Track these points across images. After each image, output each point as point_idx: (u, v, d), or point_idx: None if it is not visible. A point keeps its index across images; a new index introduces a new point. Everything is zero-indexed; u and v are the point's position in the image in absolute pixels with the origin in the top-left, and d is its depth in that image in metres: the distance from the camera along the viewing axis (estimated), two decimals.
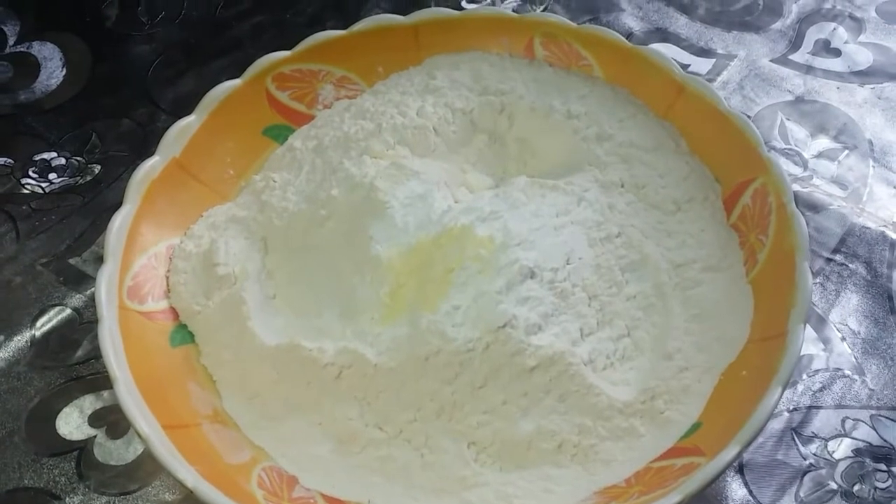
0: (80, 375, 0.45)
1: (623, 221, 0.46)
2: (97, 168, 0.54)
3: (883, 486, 0.42)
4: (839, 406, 0.44)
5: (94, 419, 0.44)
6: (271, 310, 0.44)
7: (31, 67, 0.60)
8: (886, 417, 0.44)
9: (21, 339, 0.47)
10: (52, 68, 0.60)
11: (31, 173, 0.54)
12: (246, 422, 0.41)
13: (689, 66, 0.60)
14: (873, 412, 0.44)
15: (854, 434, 0.43)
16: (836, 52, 0.61)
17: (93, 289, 0.44)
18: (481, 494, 0.38)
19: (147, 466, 0.42)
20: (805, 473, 0.42)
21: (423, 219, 0.44)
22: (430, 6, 0.52)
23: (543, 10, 0.64)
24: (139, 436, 0.36)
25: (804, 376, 0.45)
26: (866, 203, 0.53)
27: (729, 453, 0.35)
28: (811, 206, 0.52)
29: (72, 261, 0.50)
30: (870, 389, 0.45)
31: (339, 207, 0.45)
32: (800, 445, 0.43)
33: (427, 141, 0.49)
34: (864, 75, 0.60)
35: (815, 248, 0.50)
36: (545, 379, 0.40)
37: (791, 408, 0.44)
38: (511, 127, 0.51)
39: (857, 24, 0.63)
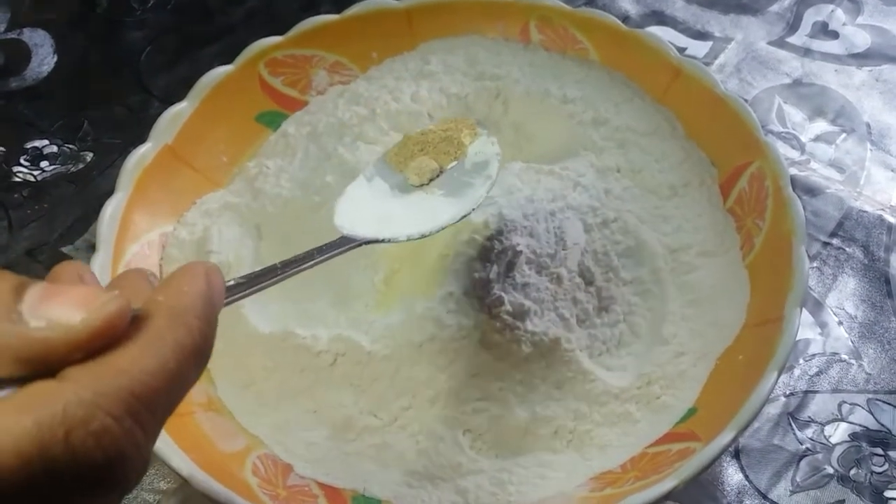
0: None
1: (619, 206, 0.45)
2: (89, 156, 0.54)
3: (879, 470, 0.41)
4: (836, 390, 0.44)
5: None
6: (265, 297, 0.43)
7: (22, 54, 0.59)
8: (883, 401, 0.44)
9: None
10: (44, 55, 0.60)
11: (22, 161, 0.54)
12: (240, 410, 0.40)
13: (686, 49, 0.60)
14: (870, 396, 0.44)
15: (851, 418, 0.43)
16: (834, 35, 0.61)
17: None
18: (477, 481, 0.38)
19: None
20: (801, 458, 0.42)
21: None
22: None
23: None
24: None
25: (801, 361, 0.45)
26: (864, 186, 0.52)
27: (725, 438, 0.35)
28: (808, 190, 0.52)
29: (64, 249, 0.49)
30: (867, 373, 0.45)
31: (334, 194, 0.45)
32: (796, 430, 0.43)
33: (422, 126, 0.49)
34: (861, 57, 0.59)
35: (812, 231, 0.50)
36: (541, 365, 0.40)
37: (787, 392, 0.44)
38: (506, 112, 0.50)
39: (855, 6, 0.62)
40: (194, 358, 0.23)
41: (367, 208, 0.40)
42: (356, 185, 0.41)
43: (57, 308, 0.21)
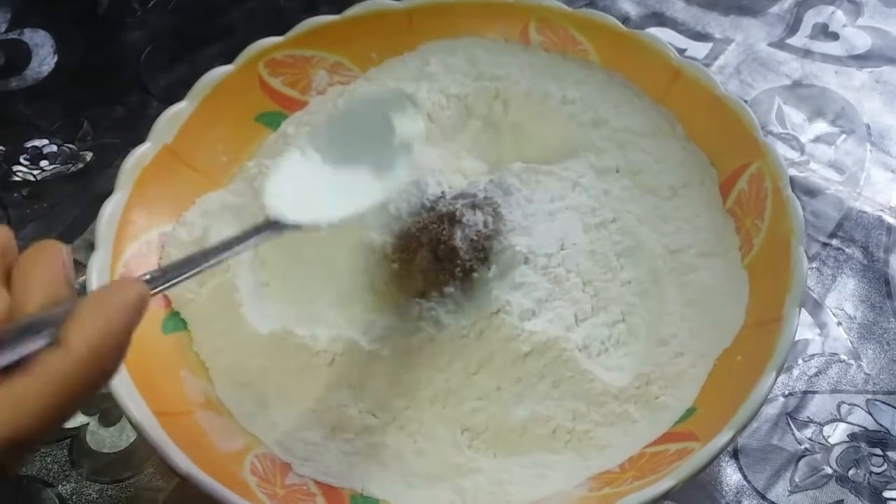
0: None
1: (618, 207, 0.45)
2: (89, 155, 0.54)
3: (878, 470, 0.41)
4: (835, 391, 0.44)
5: (87, 407, 0.44)
6: (264, 297, 0.44)
7: (22, 54, 0.60)
8: (882, 402, 0.44)
9: None
10: (44, 55, 0.60)
11: (22, 161, 0.54)
12: (238, 409, 0.40)
13: (686, 50, 0.60)
14: (869, 397, 0.44)
15: (849, 419, 0.43)
16: (835, 36, 0.61)
17: (84, 276, 0.44)
18: (475, 481, 0.38)
19: (139, 454, 0.42)
20: (800, 458, 0.42)
21: (416, 205, 0.44)
22: None
23: None
24: (131, 423, 0.36)
25: (800, 361, 0.45)
26: (863, 187, 0.52)
27: (723, 438, 0.35)
28: (808, 191, 0.52)
29: None
30: (865, 374, 0.45)
31: None
32: (795, 430, 0.43)
33: None
34: (862, 59, 0.59)
35: (812, 232, 0.50)
36: (539, 364, 0.40)
37: (786, 392, 0.44)
38: (506, 113, 0.50)
39: (856, 8, 0.62)
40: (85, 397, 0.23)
41: (297, 187, 0.37)
42: (288, 160, 0.38)
43: None
